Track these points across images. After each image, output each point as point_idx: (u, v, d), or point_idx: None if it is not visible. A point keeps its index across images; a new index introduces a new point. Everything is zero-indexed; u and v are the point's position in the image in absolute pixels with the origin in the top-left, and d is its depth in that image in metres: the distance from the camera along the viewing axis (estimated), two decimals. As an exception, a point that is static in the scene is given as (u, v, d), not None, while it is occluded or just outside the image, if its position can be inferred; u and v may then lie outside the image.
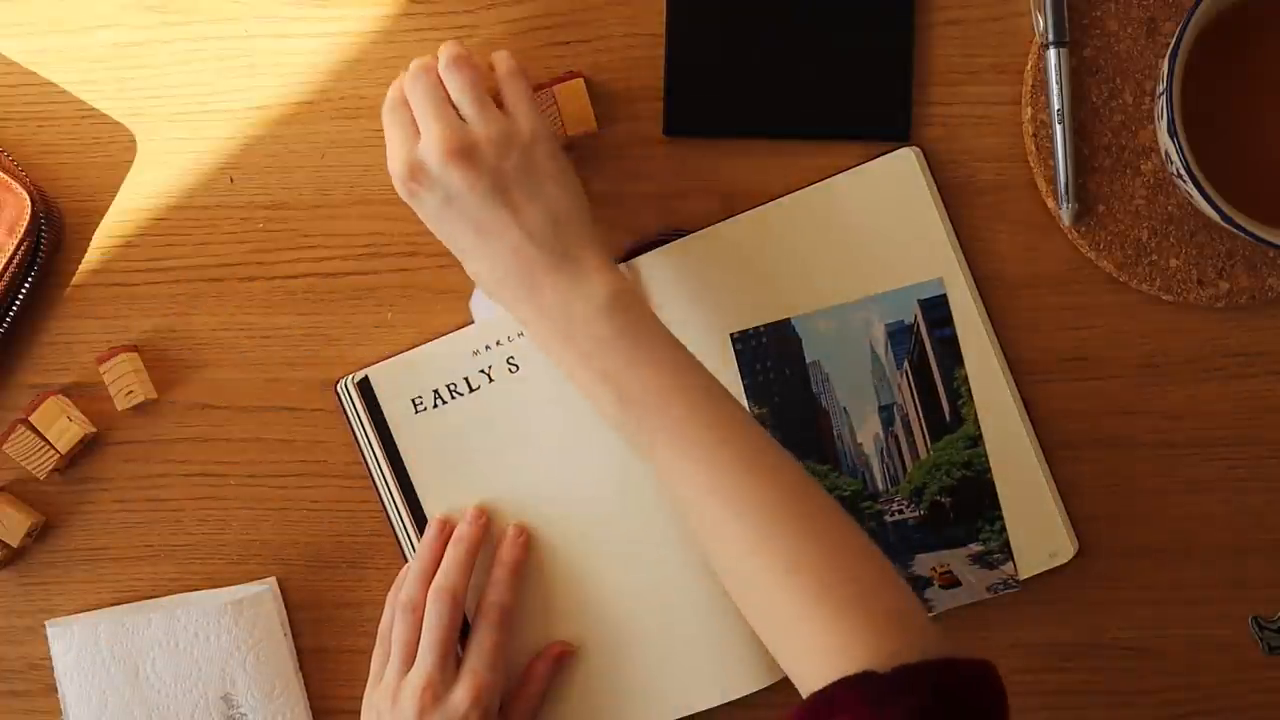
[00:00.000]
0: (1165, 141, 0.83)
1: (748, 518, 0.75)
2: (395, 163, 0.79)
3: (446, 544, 0.87)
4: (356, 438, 0.89)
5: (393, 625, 0.86)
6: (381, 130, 0.89)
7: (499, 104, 0.81)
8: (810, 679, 0.71)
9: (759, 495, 0.75)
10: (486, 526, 0.88)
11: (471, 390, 0.88)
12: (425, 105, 0.79)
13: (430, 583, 0.85)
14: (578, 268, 0.79)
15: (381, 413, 0.88)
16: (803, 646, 0.72)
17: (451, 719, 0.82)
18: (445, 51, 0.81)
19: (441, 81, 0.80)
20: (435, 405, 0.88)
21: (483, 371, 0.88)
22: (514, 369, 0.88)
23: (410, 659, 0.84)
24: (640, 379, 0.77)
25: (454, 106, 0.80)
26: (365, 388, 0.88)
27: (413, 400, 0.88)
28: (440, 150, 0.77)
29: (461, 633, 0.86)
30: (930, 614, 0.89)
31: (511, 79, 0.82)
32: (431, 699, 0.82)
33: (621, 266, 0.89)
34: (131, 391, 0.88)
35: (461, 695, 0.83)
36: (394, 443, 0.88)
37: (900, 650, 0.69)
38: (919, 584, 0.89)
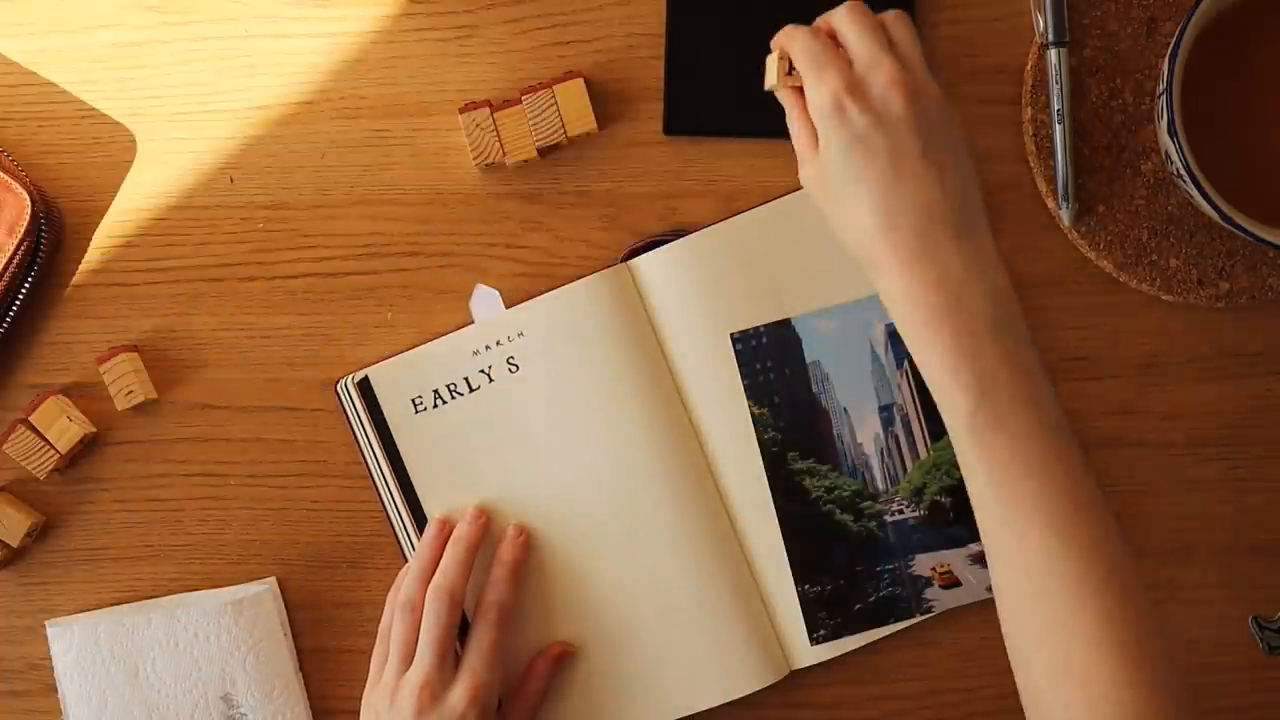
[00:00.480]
0: (1165, 141, 0.83)
1: (1065, 549, 0.72)
2: (829, 77, 0.74)
3: (446, 544, 0.87)
4: (356, 438, 0.89)
5: (391, 624, 0.86)
6: (381, 130, 0.89)
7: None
8: None
9: (1081, 533, 0.72)
10: (486, 526, 0.88)
11: (472, 390, 0.88)
12: (869, 39, 0.75)
13: (429, 582, 0.85)
14: (978, 246, 0.74)
15: (381, 413, 0.88)
16: (1072, 692, 0.71)
17: (449, 718, 0.82)
18: (842, 10, 0.77)
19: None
20: (435, 405, 0.88)
21: (483, 371, 0.88)
22: (514, 369, 0.88)
23: (408, 658, 0.84)
24: (1002, 376, 0.73)
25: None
26: (365, 388, 0.88)
27: (413, 400, 0.88)
28: (889, 77, 0.74)
29: (462, 632, 0.86)
30: (930, 614, 0.89)
31: (904, 37, 0.77)
32: (429, 698, 0.82)
33: (622, 266, 0.89)
34: (131, 391, 0.88)
35: (459, 694, 0.82)
36: (394, 443, 0.88)
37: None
38: (919, 584, 0.89)
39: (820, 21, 0.78)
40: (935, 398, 0.75)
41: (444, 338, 0.89)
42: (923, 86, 0.75)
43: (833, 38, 0.77)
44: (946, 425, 0.75)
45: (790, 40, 0.78)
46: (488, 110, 0.87)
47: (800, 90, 0.77)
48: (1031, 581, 0.73)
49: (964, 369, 0.73)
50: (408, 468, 0.88)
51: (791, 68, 0.78)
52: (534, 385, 0.88)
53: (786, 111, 0.78)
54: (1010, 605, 0.74)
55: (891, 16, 0.77)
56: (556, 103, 0.87)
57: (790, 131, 0.78)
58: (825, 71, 0.75)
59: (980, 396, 0.73)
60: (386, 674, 0.84)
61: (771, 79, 0.79)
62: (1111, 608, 0.71)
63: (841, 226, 0.76)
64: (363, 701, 0.86)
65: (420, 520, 0.88)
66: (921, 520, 0.89)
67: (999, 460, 0.73)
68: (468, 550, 0.86)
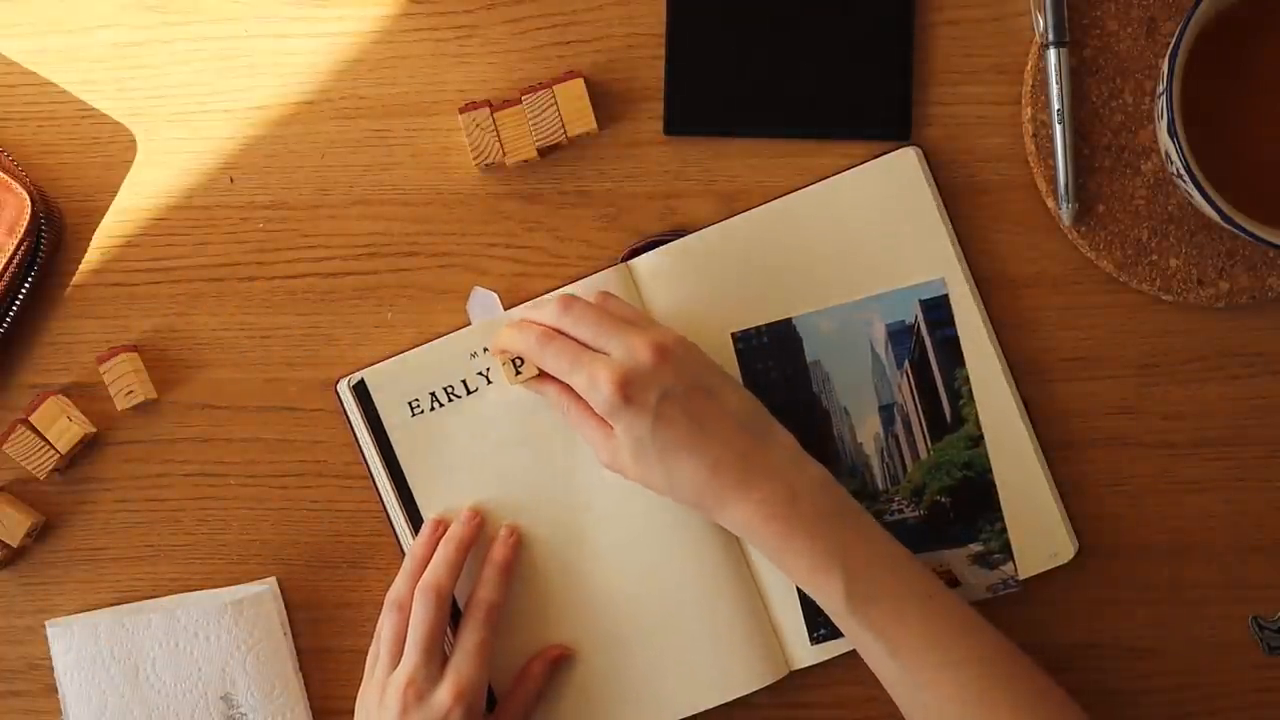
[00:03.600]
0: (1165, 141, 0.83)
1: (962, 672, 0.79)
2: (599, 377, 0.80)
3: (436, 545, 0.87)
4: (356, 437, 0.89)
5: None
6: (381, 130, 0.89)
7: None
8: None
9: (975, 653, 0.80)
10: (480, 527, 0.88)
11: (469, 393, 0.88)
12: (600, 327, 0.82)
13: (418, 583, 0.85)
14: (784, 448, 0.83)
15: (378, 415, 0.88)
16: None
17: (434, 716, 0.82)
18: (557, 303, 0.84)
19: (597, 309, 0.84)
20: (432, 408, 0.88)
21: (480, 374, 0.88)
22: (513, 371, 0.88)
23: (397, 656, 0.84)
24: (859, 552, 0.80)
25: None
26: (361, 390, 0.88)
27: (409, 403, 0.88)
28: (648, 350, 0.80)
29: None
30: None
31: (614, 302, 0.85)
32: (414, 696, 0.82)
33: (622, 266, 0.89)
34: (131, 391, 0.88)
35: (444, 693, 0.83)
36: (390, 445, 0.88)
37: None
38: (919, 584, 0.89)
39: (533, 316, 0.84)
40: (810, 594, 0.82)
41: (440, 340, 0.89)
42: (670, 342, 0.82)
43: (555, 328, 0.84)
44: (827, 612, 0.82)
45: (519, 344, 0.84)
46: (488, 110, 0.87)
47: (564, 386, 0.84)
48: (947, 709, 0.80)
49: (822, 554, 0.80)
50: (404, 470, 0.88)
51: (518, 363, 0.85)
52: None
53: (557, 406, 0.85)
54: None
55: (601, 296, 0.85)
56: (556, 103, 0.87)
57: (573, 424, 0.84)
58: (592, 369, 0.81)
59: (847, 576, 0.80)
60: (376, 672, 0.85)
61: (508, 380, 0.85)
62: (1018, 700, 0.80)
63: (669, 488, 0.82)
64: (357, 700, 0.86)
65: (417, 522, 0.88)
66: (921, 520, 0.89)
67: (881, 623, 0.80)
68: (458, 550, 0.86)
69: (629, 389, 0.80)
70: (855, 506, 0.83)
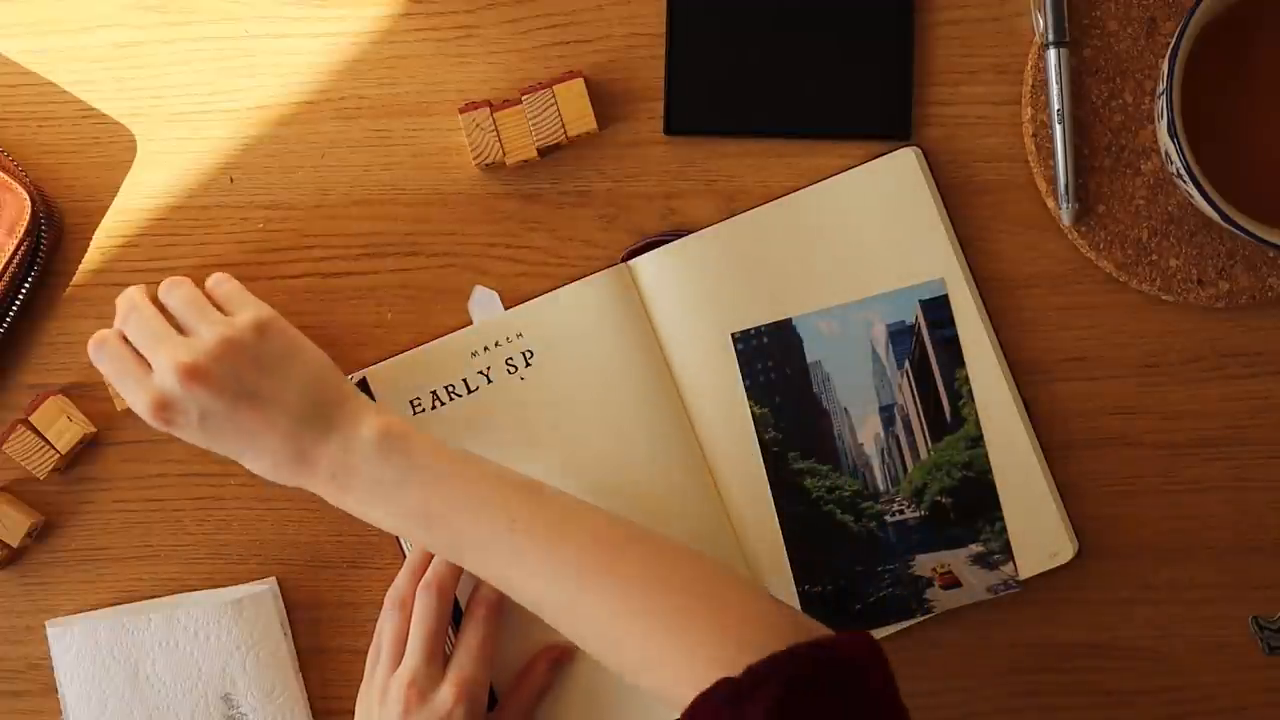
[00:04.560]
0: (1165, 141, 0.83)
1: (568, 584, 0.77)
2: (137, 402, 0.80)
3: None
4: (356, 438, 0.89)
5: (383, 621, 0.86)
6: (381, 130, 0.89)
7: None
8: (678, 701, 0.72)
9: (570, 563, 0.77)
10: None
11: (470, 392, 0.88)
12: (145, 334, 0.81)
13: (421, 581, 0.85)
14: (342, 423, 0.81)
15: (381, 413, 0.88)
16: (663, 682, 0.74)
17: (436, 716, 0.82)
18: (166, 281, 0.83)
19: (154, 310, 0.82)
20: (433, 407, 0.88)
21: (481, 373, 0.88)
22: (512, 370, 0.88)
23: (399, 655, 0.84)
24: (430, 503, 0.79)
25: (176, 328, 0.82)
26: (363, 389, 0.88)
27: (410, 402, 0.88)
28: (175, 373, 0.78)
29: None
30: (930, 614, 0.89)
31: (220, 282, 0.84)
32: (417, 695, 0.82)
33: (622, 266, 0.89)
34: (131, 392, 0.88)
35: (447, 692, 0.82)
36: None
37: (756, 650, 0.70)
38: (919, 584, 0.89)
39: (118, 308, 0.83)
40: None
41: (442, 339, 0.89)
42: (204, 358, 0.79)
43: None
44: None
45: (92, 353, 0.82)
46: (488, 110, 0.87)
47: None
48: (571, 623, 0.78)
49: (399, 519, 0.80)
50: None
51: None
52: (533, 387, 0.88)
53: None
54: (584, 647, 0.79)
55: (171, 284, 0.83)
56: (556, 103, 0.87)
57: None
58: (134, 394, 0.80)
59: (427, 528, 0.80)
60: (378, 671, 0.85)
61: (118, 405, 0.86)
62: (633, 589, 0.76)
63: (251, 469, 0.82)
64: (357, 699, 0.86)
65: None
66: (922, 520, 0.89)
67: (480, 566, 0.80)
68: None
69: (167, 413, 0.79)
70: (425, 452, 0.80)
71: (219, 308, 0.83)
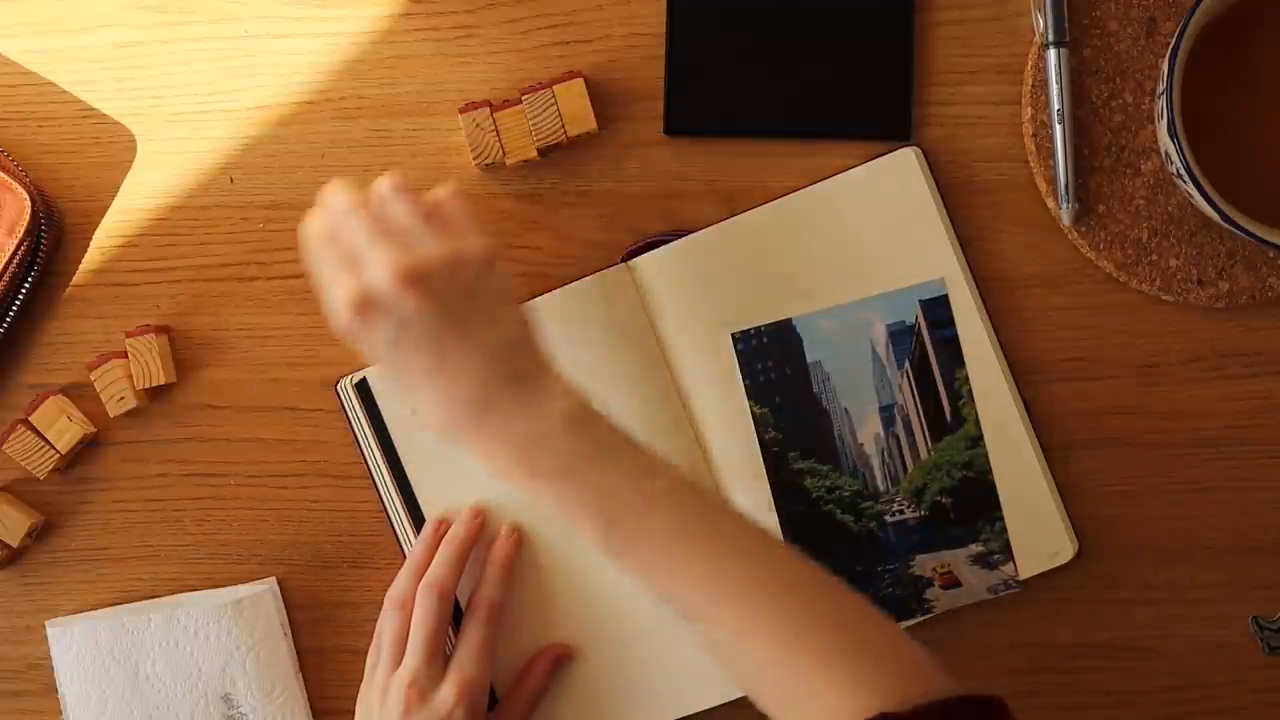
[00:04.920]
0: (1165, 141, 0.83)
1: (735, 605, 0.74)
2: (340, 296, 0.74)
3: (439, 544, 0.87)
4: (356, 438, 0.89)
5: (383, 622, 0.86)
6: (381, 130, 0.89)
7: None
8: None
9: (741, 583, 0.74)
10: (481, 527, 0.88)
11: (471, 390, 0.88)
12: (363, 232, 0.75)
13: (421, 580, 0.85)
14: (535, 388, 0.76)
15: (380, 414, 0.88)
16: (817, 711, 0.72)
17: (437, 716, 0.82)
18: (384, 182, 0.77)
19: (377, 214, 0.76)
20: (435, 405, 0.88)
21: (483, 371, 0.88)
22: (514, 369, 0.88)
23: (399, 655, 0.84)
24: (613, 494, 0.75)
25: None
26: (363, 389, 0.88)
27: (413, 400, 0.88)
28: (392, 274, 0.73)
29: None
30: (931, 614, 0.89)
31: (455, 200, 0.78)
32: (417, 696, 0.82)
33: (622, 266, 0.89)
34: (123, 398, 0.88)
35: (447, 692, 0.82)
36: (392, 444, 0.88)
37: (913, 695, 0.69)
38: (919, 584, 0.89)
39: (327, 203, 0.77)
40: (577, 533, 0.76)
41: (444, 338, 0.89)
42: (430, 265, 0.73)
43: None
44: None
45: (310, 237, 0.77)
46: (488, 110, 0.87)
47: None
48: (727, 643, 0.75)
49: (573, 503, 0.75)
50: (406, 469, 0.88)
51: None
52: (534, 385, 0.88)
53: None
54: (729, 670, 0.77)
55: (394, 190, 0.76)
56: (556, 103, 0.87)
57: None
58: (335, 288, 0.74)
59: (602, 521, 0.75)
60: (378, 672, 0.84)
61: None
62: (803, 623, 0.73)
63: (409, 405, 0.79)
64: (357, 700, 0.86)
65: (419, 521, 0.88)
66: (922, 520, 0.89)
67: (645, 565, 0.75)
68: (460, 548, 0.86)
69: (366, 314, 0.73)
70: (619, 443, 0.76)
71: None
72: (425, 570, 0.85)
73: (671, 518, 0.75)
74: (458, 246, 0.75)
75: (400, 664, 0.84)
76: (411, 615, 0.84)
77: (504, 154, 0.88)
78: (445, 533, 0.87)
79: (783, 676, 0.73)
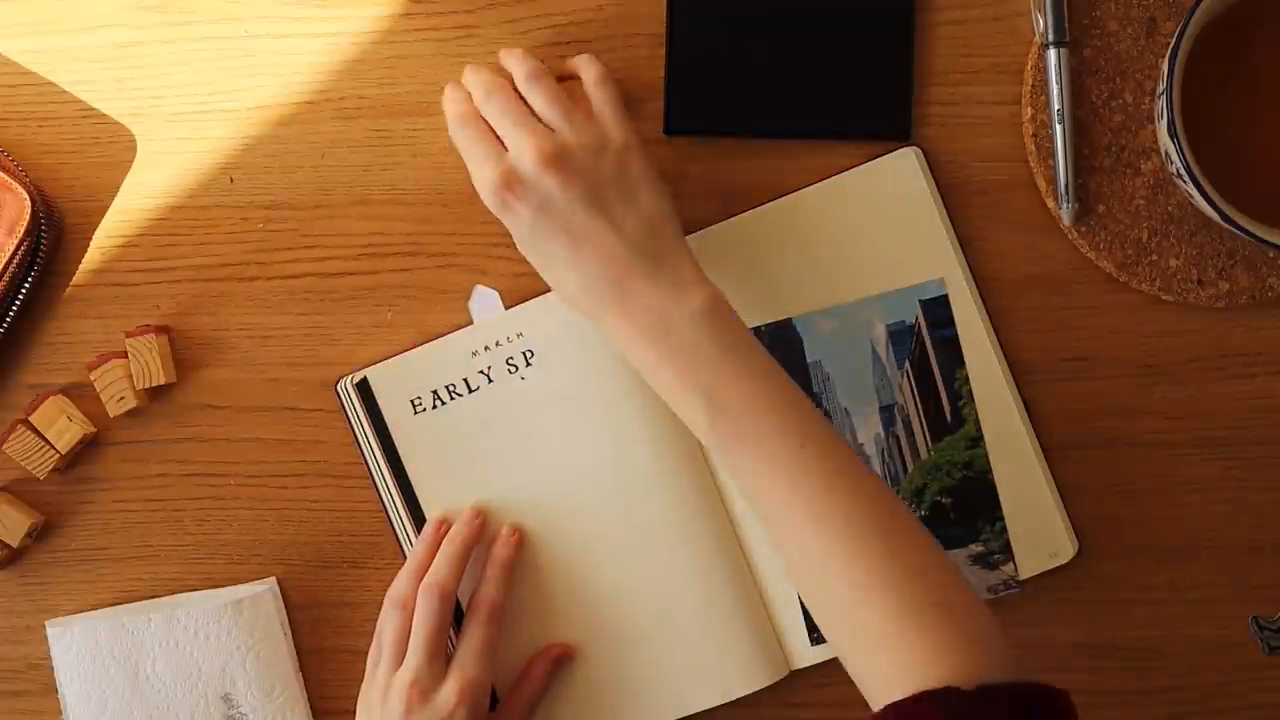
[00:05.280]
0: (1165, 141, 0.83)
1: (829, 529, 0.75)
2: (485, 175, 0.79)
3: (440, 544, 0.87)
4: (356, 438, 0.89)
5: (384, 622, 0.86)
6: (381, 130, 0.89)
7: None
8: (886, 692, 0.71)
9: (842, 508, 0.75)
10: (482, 527, 0.88)
11: (470, 391, 0.88)
12: (510, 116, 0.80)
13: (422, 581, 0.85)
14: (672, 275, 0.79)
15: (380, 413, 0.88)
16: (885, 661, 0.72)
17: (438, 716, 0.82)
18: (521, 66, 0.82)
19: (517, 96, 0.81)
20: (434, 406, 0.88)
21: (481, 372, 0.88)
22: (513, 370, 0.88)
23: (400, 655, 0.84)
24: (732, 388, 0.77)
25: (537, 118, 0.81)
26: (364, 388, 0.88)
27: (411, 401, 0.88)
28: (535, 157, 0.78)
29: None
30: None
31: (600, 85, 0.83)
32: (418, 696, 0.82)
33: (622, 266, 0.89)
34: (123, 398, 0.88)
35: (448, 692, 0.82)
36: (393, 444, 0.88)
37: (982, 670, 0.70)
38: (919, 584, 0.89)
39: (470, 79, 0.83)
40: (682, 420, 0.79)
41: (442, 339, 0.89)
42: (573, 147, 0.79)
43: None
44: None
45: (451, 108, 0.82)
46: None
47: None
48: (812, 565, 0.76)
49: (689, 389, 0.77)
50: (406, 469, 0.88)
51: None
52: (533, 386, 0.88)
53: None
54: (804, 591, 0.78)
55: (534, 70, 0.82)
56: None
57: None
58: (482, 165, 0.80)
59: (713, 412, 0.77)
60: (379, 671, 0.84)
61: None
62: (891, 568, 0.74)
63: (550, 283, 0.81)
64: (358, 700, 0.86)
65: (419, 520, 0.88)
66: (922, 520, 0.89)
67: (747, 465, 0.77)
68: (461, 548, 0.86)
69: (511, 192, 0.79)
70: (744, 342, 0.78)
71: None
72: (426, 570, 0.86)
73: (784, 424, 0.76)
74: (598, 132, 0.80)
75: (401, 664, 0.84)
76: (413, 615, 0.84)
77: None
78: (446, 533, 0.87)
79: (857, 619, 0.74)
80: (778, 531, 0.77)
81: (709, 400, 0.77)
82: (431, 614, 0.84)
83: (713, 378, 0.77)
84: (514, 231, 0.80)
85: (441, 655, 0.84)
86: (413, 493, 0.88)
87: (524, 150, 0.78)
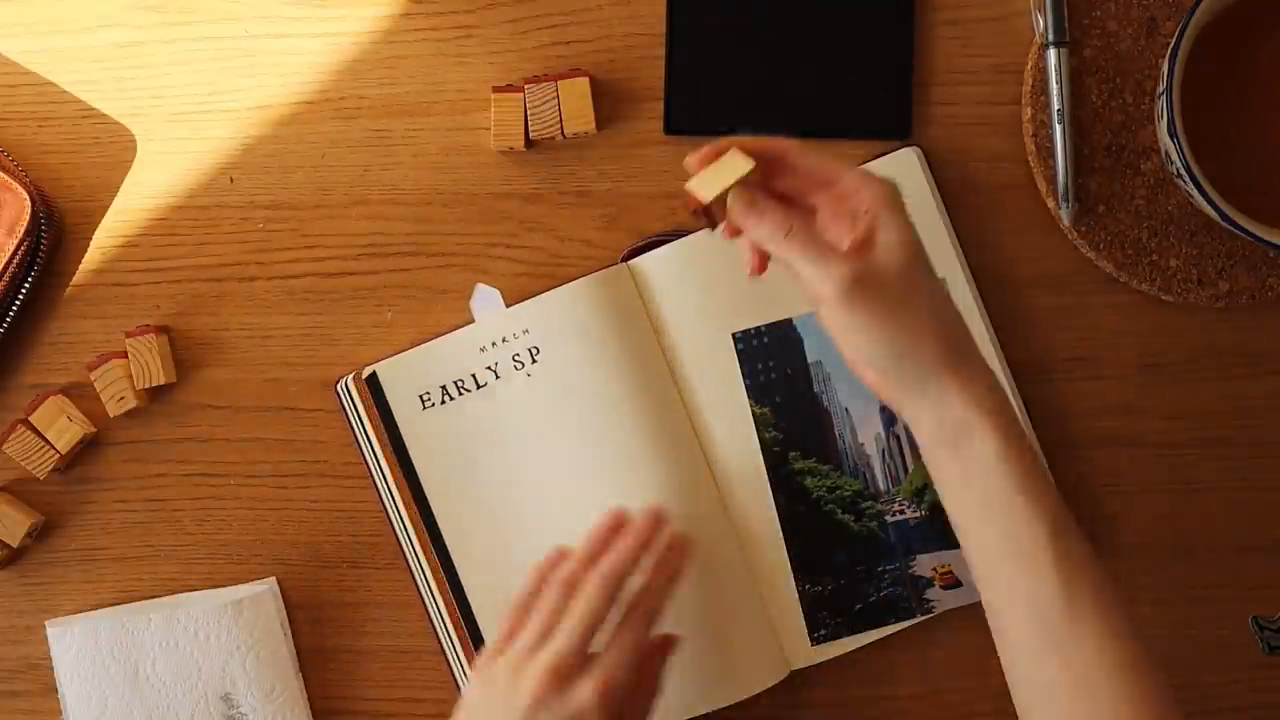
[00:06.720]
0: (1165, 141, 0.83)
1: (1053, 642, 0.73)
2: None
3: (617, 536, 0.82)
4: (357, 437, 0.89)
5: (538, 595, 0.80)
6: (381, 130, 0.89)
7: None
8: None
9: (1079, 644, 0.72)
10: (660, 528, 0.83)
11: (479, 387, 0.88)
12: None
13: (594, 567, 0.80)
14: (961, 378, 0.74)
15: (389, 409, 0.88)
16: None
17: (570, 711, 0.75)
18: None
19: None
20: (443, 402, 0.88)
21: (489, 368, 0.88)
22: (519, 366, 0.88)
23: (547, 634, 0.78)
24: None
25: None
26: (373, 384, 0.88)
27: (420, 396, 0.88)
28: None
29: None
30: (931, 614, 0.89)
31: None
32: (555, 683, 0.75)
33: (622, 266, 0.89)
34: (123, 398, 0.88)
35: (588, 690, 0.75)
36: (401, 439, 0.88)
37: None
38: (920, 584, 0.89)
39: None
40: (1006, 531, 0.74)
41: (451, 334, 0.89)
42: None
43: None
44: (1017, 551, 0.74)
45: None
46: (521, 95, 0.87)
47: (787, 208, 0.74)
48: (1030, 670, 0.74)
49: (1036, 499, 0.73)
50: (415, 464, 0.88)
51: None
52: (538, 383, 0.88)
53: (778, 228, 0.73)
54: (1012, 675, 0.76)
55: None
56: (558, 97, 0.87)
57: (795, 264, 0.73)
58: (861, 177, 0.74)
59: (1055, 526, 0.73)
60: (519, 644, 0.78)
61: (710, 193, 0.73)
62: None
63: (899, 333, 0.73)
64: (476, 665, 0.80)
65: (427, 517, 0.88)
66: (922, 520, 0.89)
67: (1078, 578, 0.72)
68: (639, 546, 0.81)
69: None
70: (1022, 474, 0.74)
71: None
72: (598, 559, 0.80)
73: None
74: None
75: (543, 645, 0.78)
76: (573, 599, 0.79)
77: (562, 125, 0.87)
78: (620, 526, 0.82)
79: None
80: (988, 604, 0.75)
81: (1053, 514, 0.73)
82: (598, 602, 0.78)
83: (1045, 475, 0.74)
84: (900, 239, 0.73)
85: (587, 648, 0.78)
86: (421, 488, 0.88)
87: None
